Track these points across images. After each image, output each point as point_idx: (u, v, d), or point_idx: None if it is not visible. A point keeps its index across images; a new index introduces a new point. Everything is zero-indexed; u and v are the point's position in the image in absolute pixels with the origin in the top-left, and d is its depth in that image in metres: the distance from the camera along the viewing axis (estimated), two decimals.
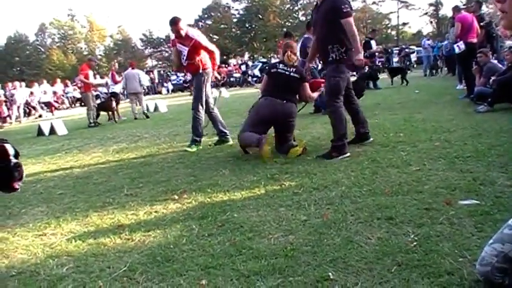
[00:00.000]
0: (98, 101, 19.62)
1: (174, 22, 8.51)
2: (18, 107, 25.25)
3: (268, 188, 5.12)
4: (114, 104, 17.49)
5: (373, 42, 19.62)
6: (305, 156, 6.58)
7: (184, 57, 8.58)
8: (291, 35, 14.66)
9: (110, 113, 17.67)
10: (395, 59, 35.26)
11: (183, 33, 8.51)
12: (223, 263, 3.23)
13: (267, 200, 4.67)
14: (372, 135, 7.38)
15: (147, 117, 17.45)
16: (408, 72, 22.92)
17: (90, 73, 17.21)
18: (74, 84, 32.12)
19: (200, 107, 8.62)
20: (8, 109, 24.95)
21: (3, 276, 3.58)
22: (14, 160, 3.24)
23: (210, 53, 8.79)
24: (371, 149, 6.55)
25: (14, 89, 25.75)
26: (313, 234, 3.59)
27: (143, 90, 19.80)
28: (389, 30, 74.44)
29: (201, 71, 8.55)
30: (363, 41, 20.55)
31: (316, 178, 5.30)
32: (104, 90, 25.28)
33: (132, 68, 18.85)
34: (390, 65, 29.35)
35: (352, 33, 6.40)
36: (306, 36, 12.92)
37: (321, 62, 6.53)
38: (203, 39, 8.73)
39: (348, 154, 6.31)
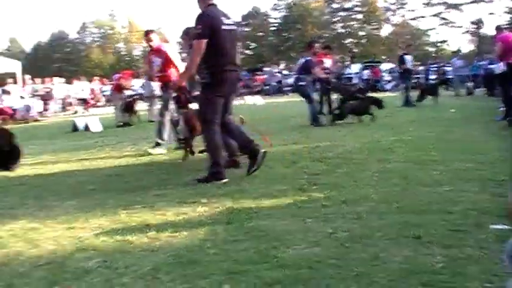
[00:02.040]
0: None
1: (145, 33, 9.89)
2: (56, 102, 25.68)
3: (296, 199, 5.10)
4: (136, 106, 17.76)
5: (408, 57, 19.19)
6: (335, 169, 6.55)
7: (158, 68, 9.42)
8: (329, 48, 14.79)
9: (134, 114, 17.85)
10: (433, 76, 34.82)
11: (153, 44, 9.59)
12: (247, 270, 3.23)
13: (294, 210, 4.66)
14: (404, 152, 7.36)
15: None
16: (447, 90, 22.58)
17: (130, 80, 17.58)
18: (111, 83, 32.42)
19: (166, 113, 9.43)
20: (46, 103, 25.38)
21: (32, 265, 3.65)
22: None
23: (177, 69, 9.40)
24: (402, 166, 6.48)
25: (53, 84, 26.22)
26: (338, 247, 3.57)
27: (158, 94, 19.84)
28: (427, 47, 73.67)
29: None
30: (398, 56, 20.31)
31: (345, 192, 5.27)
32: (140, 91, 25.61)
33: None
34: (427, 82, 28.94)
35: (191, 56, 6.21)
36: (309, 58, 12.90)
37: None
38: (174, 56, 9.55)
39: (225, 180, 6.17)
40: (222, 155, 6.35)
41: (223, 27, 6.14)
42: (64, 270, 3.49)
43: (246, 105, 24.67)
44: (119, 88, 17.66)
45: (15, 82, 24.02)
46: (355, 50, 70.12)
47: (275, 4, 75.05)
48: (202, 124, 6.45)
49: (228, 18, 6.33)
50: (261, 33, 74.00)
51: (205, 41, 6.02)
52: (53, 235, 4.38)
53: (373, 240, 3.68)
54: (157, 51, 9.57)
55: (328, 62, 15.26)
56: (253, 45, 74.53)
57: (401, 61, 19.00)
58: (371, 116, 12.46)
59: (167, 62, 9.36)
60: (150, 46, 9.84)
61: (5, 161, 3.14)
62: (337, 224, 4.14)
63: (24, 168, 7.69)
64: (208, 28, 6.05)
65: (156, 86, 18.52)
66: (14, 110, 22.28)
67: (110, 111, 22.29)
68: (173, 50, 9.67)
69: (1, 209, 5.54)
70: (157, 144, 9.43)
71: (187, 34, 8.15)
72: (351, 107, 12.90)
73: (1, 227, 4.72)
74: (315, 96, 13.54)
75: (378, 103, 13.68)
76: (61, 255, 3.84)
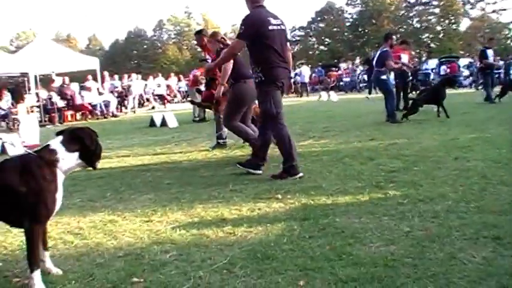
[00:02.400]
0: None
1: (196, 33, 10.64)
2: (134, 98, 26.34)
3: (372, 196, 5.06)
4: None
5: (489, 52, 18.30)
6: (412, 166, 6.44)
7: None
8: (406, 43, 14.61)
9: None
10: None
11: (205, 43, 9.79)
12: (322, 267, 3.24)
13: (371, 207, 4.63)
14: (483, 150, 7.17)
15: None
16: None
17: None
18: (187, 79, 32.89)
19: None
20: (124, 99, 26.07)
21: (111, 256, 3.79)
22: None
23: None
24: (481, 164, 6.30)
25: (131, 80, 26.92)
26: (415, 246, 3.53)
27: None
28: (508, 41, 70.80)
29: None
30: (479, 51, 19.52)
31: (422, 190, 5.18)
32: None
33: None
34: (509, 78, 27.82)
35: (226, 50, 7.07)
36: (385, 49, 12.63)
37: None
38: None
39: (300, 175, 6.25)
40: (296, 149, 6.45)
41: (270, 27, 6.28)
42: (142, 262, 3.60)
43: (321, 101, 24.59)
44: (195, 83, 17.94)
45: (94, 79, 24.74)
46: (432, 45, 68.56)
47: None
48: (270, 122, 6.51)
49: (276, 18, 6.44)
50: (335, 29, 73.37)
51: (243, 41, 6.37)
52: (131, 227, 4.52)
53: (450, 240, 3.62)
54: (208, 51, 9.79)
55: (405, 58, 15.02)
56: (327, 40, 74.02)
57: (482, 55, 18.20)
58: (444, 110, 12.08)
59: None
60: (201, 47, 10.39)
61: (90, 159, 3.47)
62: (413, 223, 4.09)
63: (103, 162, 7.88)
64: (250, 29, 6.29)
65: None
66: (93, 106, 22.95)
67: (186, 107, 22.66)
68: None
69: (82, 201, 5.75)
70: (218, 144, 9.56)
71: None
72: (425, 98, 12.69)
73: (82, 219, 4.91)
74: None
75: (451, 81, 13.41)
76: (139, 247, 3.96)
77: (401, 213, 4.38)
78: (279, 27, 6.40)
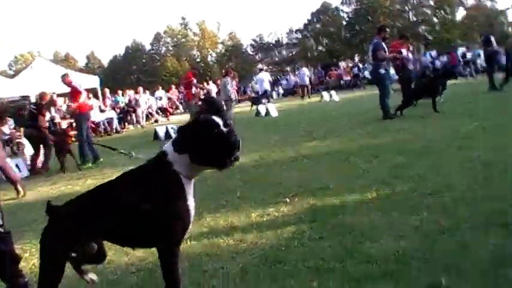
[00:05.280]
0: None
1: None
2: (142, 112, 26.36)
3: (379, 193, 5.06)
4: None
5: (492, 38, 18.19)
6: (417, 160, 6.44)
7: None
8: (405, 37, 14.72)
9: None
10: None
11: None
12: (334, 267, 3.26)
13: (379, 204, 4.64)
14: (486, 139, 7.16)
15: None
16: None
17: (194, 81, 18.26)
18: (181, 92, 32.81)
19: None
20: (127, 115, 26.09)
21: (123, 272, 3.84)
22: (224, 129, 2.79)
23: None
24: (485, 153, 6.27)
25: (138, 94, 27.02)
26: (425, 239, 3.55)
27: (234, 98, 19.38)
28: (506, 28, 70.29)
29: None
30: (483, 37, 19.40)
31: (429, 183, 5.18)
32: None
33: (224, 76, 19.33)
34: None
35: None
36: (376, 40, 12.70)
37: None
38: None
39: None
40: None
41: None
42: (154, 276, 3.62)
43: (324, 101, 24.55)
44: (191, 95, 18.16)
45: (95, 96, 24.80)
46: (429, 37, 68.32)
47: None
48: None
49: None
50: (332, 29, 73.27)
51: None
52: None
53: (460, 231, 3.64)
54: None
55: (405, 52, 14.97)
56: (325, 41, 73.91)
57: (486, 42, 17.98)
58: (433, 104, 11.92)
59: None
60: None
61: None
62: (422, 216, 4.11)
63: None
64: None
65: (232, 90, 18.68)
66: (96, 123, 22.97)
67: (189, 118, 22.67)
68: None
69: None
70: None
71: None
72: (418, 89, 12.67)
73: None
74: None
75: (451, 74, 13.39)
76: (151, 261, 3.98)
77: (410, 207, 4.40)
78: None
